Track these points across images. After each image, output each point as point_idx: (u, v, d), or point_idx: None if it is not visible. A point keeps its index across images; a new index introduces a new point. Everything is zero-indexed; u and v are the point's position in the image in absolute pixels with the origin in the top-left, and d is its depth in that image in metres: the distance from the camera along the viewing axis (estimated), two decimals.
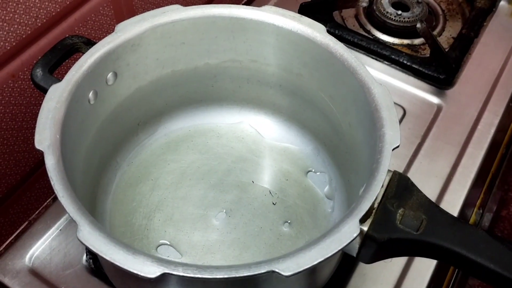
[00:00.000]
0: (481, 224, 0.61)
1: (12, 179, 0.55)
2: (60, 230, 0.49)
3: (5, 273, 0.46)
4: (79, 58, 0.40)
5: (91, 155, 0.44)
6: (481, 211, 0.60)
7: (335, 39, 0.43)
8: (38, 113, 0.36)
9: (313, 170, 0.51)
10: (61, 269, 0.46)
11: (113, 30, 0.42)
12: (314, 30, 0.43)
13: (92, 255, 0.47)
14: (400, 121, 0.59)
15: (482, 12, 0.70)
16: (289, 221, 0.47)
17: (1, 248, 0.49)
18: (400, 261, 0.47)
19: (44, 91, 0.39)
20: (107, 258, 0.29)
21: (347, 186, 0.47)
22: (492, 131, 0.58)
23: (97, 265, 0.46)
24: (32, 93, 0.52)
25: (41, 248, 0.48)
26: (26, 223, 0.50)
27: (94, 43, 0.42)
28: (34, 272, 0.46)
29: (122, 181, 0.49)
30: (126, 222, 0.47)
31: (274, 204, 0.48)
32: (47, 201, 0.52)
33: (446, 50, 0.65)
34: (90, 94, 0.41)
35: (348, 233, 0.31)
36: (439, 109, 0.60)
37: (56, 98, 0.37)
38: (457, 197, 0.53)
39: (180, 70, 0.48)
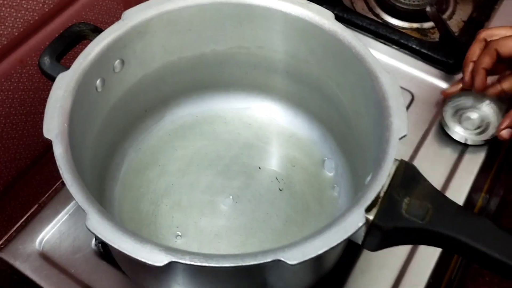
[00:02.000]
0: (487, 209, 0.61)
1: (22, 163, 0.55)
2: (69, 214, 0.49)
3: (16, 256, 0.47)
4: (86, 45, 0.41)
5: (99, 142, 0.44)
6: (488, 196, 0.60)
7: (343, 26, 0.42)
8: (46, 98, 0.37)
9: (319, 157, 0.51)
10: (70, 253, 0.47)
11: (120, 15, 0.42)
12: (322, 17, 0.43)
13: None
14: (408, 106, 0.59)
15: None
16: (295, 208, 0.48)
17: (12, 231, 0.50)
18: (406, 246, 0.47)
19: (52, 79, 0.39)
20: (116, 246, 0.30)
21: (354, 172, 0.47)
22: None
23: (106, 249, 0.47)
24: (41, 79, 0.52)
25: (51, 232, 0.49)
26: (36, 206, 0.51)
27: (101, 31, 0.42)
28: (44, 256, 0.47)
29: (130, 168, 0.49)
30: (134, 208, 0.47)
31: (281, 190, 0.48)
32: (57, 184, 0.53)
33: (456, 34, 0.64)
34: (98, 82, 0.41)
35: (354, 222, 0.31)
36: None
37: (63, 86, 0.37)
38: (464, 183, 0.53)
39: (187, 56, 0.48)
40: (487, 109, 0.55)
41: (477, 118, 0.55)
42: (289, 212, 0.47)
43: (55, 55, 0.42)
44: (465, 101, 0.56)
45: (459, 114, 0.55)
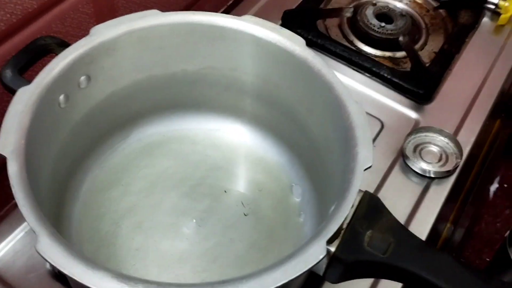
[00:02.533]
0: (452, 239, 0.62)
1: None
2: (25, 232, 0.48)
3: None
4: (53, 59, 0.40)
5: (61, 159, 0.43)
6: (453, 227, 0.61)
7: (314, 53, 0.42)
8: None
9: (287, 182, 0.50)
10: (24, 272, 0.45)
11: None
12: (293, 43, 0.43)
13: None
14: (378, 134, 0.59)
15: (465, 28, 0.70)
16: (260, 233, 0.47)
17: None
18: (368, 279, 0.47)
19: (13, 92, 0.38)
20: (65, 272, 0.29)
21: (320, 199, 0.47)
22: (468, 149, 0.58)
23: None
24: (4, 90, 0.51)
25: (5, 250, 0.47)
26: None
27: (68, 45, 0.41)
28: None
29: (92, 186, 0.48)
30: (94, 227, 0.46)
31: (246, 215, 0.48)
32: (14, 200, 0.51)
33: (427, 64, 0.65)
34: (61, 98, 0.40)
35: (315, 254, 0.31)
36: (416, 124, 0.60)
37: (23, 101, 0.36)
38: (430, 214, 0.53)
39: (157, 75, 0.47)
40: (444, 143, 0.57)
41: (437, 151, 0.56)
42: (254, 237, 0.47)
43: (18, 68, 0.40)
44: (423, 137, 0.57)
45: (419, 149, 0.56)
